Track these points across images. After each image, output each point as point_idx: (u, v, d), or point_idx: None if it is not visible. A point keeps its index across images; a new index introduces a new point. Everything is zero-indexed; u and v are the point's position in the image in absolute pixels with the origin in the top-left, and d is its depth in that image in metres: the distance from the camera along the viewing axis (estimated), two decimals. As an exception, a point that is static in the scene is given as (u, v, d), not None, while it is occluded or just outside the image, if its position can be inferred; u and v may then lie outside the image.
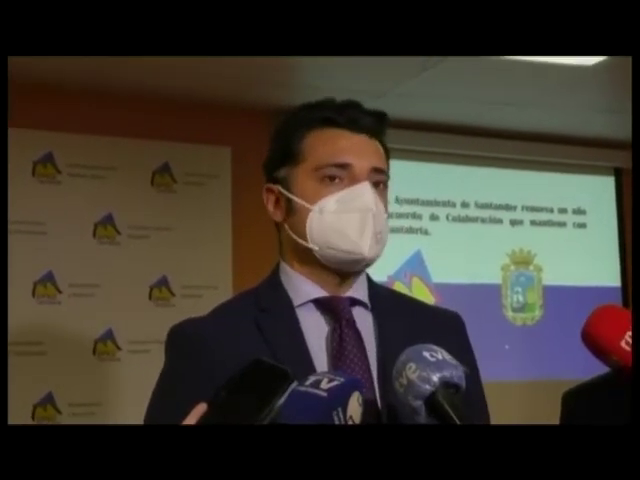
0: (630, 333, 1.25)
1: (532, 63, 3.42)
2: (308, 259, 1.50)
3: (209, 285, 3.82)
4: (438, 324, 1.55)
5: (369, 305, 1.53)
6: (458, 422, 1.14)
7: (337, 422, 1.13)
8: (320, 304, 1.50)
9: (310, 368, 1.41)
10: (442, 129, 4.36)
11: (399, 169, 4.82)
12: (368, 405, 1.38)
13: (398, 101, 3.98)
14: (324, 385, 1.14)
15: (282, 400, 1.16)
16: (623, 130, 4.44)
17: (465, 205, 4.53)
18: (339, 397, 1.14)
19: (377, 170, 1.50)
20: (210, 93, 3.79)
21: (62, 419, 3.52)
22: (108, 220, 3.71)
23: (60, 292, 3.59)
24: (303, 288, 1.51)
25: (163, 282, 3.78)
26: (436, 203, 4.47)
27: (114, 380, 3.62)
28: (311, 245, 1.48)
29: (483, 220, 4.56)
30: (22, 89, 3.33)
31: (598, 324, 1.30)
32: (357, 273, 1.52)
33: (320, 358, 1.44)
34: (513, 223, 4.63)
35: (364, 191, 1.46)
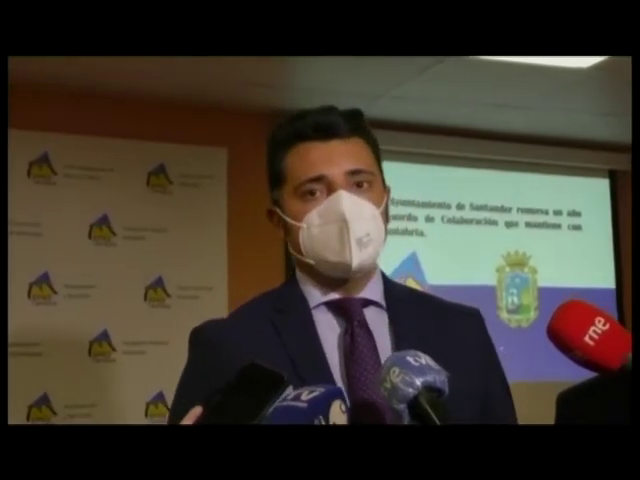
0: (594, 328, 1.26)
1: (527, 65, 3.43)
2: (312, 271, 1.54)
3: (204, 286, 3.83)
4: (457, 323, 1.57)
5: (384, 305, 1.55)
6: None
7: None
8: (332, 306, 1.53)
9: (325, 368, 1.44)
10: (438, 131, 4.36)
11: (395, 171, 4.83)
12: (380, 406, 1.39)
13: (394, 103, 3.98)
14: (304, 397, 1.15)
15: (276, 404, 1.16)
16: (618, 132, 4.45)
17: (460, 207, 4.54)
18: (319, 406, 1.14)
19: (354, 172, 1.50)
20: (206, 94, 3.80)
21: (57, 420, 3.51)
22: (104, 221, 3.71)
23: (56, 293, 3.59)
24: (316, 291, 1.54)
25: (159, 283, 3.78)
26: (431, 205, 4.48)
27: (109, 381, 3.62)
28: (308, 260, 1.52)
29: (478, 222, 4.57)
30: (18, 90, 3.33)
31: (562, 320, 1.30)
32: (363, 275, 1.53)
33: (334, 359, 1.47)
34: (508, 225, 4.64)
35: (338, 200, 1.47)
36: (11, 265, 3.36)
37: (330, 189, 1.48)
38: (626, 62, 1.54)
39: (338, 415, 1.16)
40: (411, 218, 4.42)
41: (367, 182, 1.52)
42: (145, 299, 3.75)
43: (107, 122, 3.73)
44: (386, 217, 1.58)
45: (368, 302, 1.54)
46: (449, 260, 4.44)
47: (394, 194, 5.08)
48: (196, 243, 3.85)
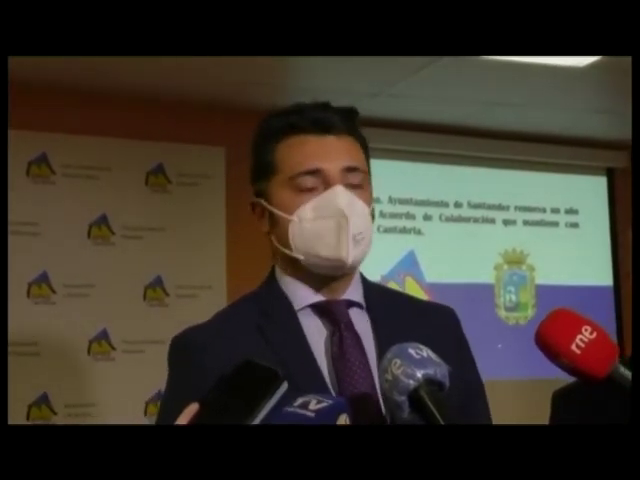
0: (581, 337, 1.27)
1: (524, 64, 3.43)
2: (298, 267, 1.51)
3: (203, 285, 3.83)
4: (433, 321, 1.56)
5: (364, 305, 1.54)
6: (440, 418, 1.16)
7: None
8: (318, 309, 1.51)
9: (315, 372, 1.43)
10: (435, 129, 4.37)
11: (392, 169, 4.83)
12: (371, 406, 1.40)
13: (391, 102, 3.99)
14: (312, 406, 1.15)
15: (272, 401, 1.17)
16: (616, 130, 4.46)
17: (458, 205, 4.54)
18: (327, 419, 1.15)
19: (350, 169, 1.49)
20: (204, 94, 3.80)
21: (57, 419, 3.52)
22: (102, 220, 3.72)
23: (55, 292, 3.60)
24: (300, 293, 1.52)
25: (157, 282, 3.79)
26: (429, 203, 4.48)
27: (109, 380, 3.62)
28: (296, 254, 1.49)
29: (476, 220, 4.58)
30: (16, 89, 3.33)
31: (549, 327, 1.32)
32: (347, 275, 1.53)
33: (322, 362, 1.46)
34: (506, 223, 4.64)
35: (336, 195, 1.46)
36: (10, 265, 3.35)
37: (326, 183, 1.47)
38: (623, 60, 1.54)
39: None
40: (409, 216, 4.42)
41: (361, 181, 1.51)
42: (144, 298, 3.76)
43: (106, 122, 3.73)
44: (372, 218, 1.55)
45: (351, 303, 1.53)
46: (447, 258, 4.45)
47: (392, 192, 5.09)
48: (195, 242, 3.85)
